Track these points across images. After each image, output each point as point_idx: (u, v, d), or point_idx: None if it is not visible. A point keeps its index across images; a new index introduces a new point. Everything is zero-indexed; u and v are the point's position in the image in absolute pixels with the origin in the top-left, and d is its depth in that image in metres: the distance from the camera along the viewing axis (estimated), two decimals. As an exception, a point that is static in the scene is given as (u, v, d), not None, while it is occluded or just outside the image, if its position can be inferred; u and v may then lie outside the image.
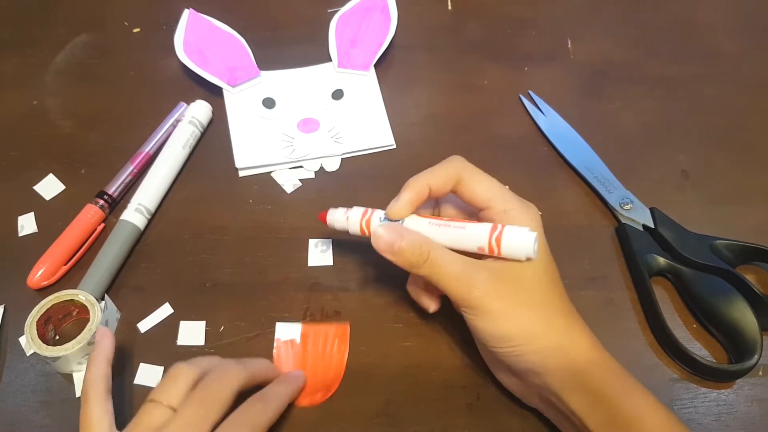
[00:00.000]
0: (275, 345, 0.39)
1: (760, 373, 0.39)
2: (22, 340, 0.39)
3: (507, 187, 0.36)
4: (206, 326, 0.39)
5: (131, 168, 0.45)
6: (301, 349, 0.38)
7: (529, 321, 0.32)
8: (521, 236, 0.32)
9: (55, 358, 0.36)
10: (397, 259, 0.34)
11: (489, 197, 0.35)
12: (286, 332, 0.39)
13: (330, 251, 0.43)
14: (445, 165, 0.36)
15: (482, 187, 0.35)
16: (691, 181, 0.47)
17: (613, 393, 0.32)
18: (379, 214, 0.36)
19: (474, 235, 0.33)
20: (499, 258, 0.33)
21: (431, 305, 0.37)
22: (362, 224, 0.36)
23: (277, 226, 0.44)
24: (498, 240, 0.32)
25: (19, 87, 0.51)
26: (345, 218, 0.37)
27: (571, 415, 0.32)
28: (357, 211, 0.37)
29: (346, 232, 0.37)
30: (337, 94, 0.51)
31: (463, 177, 0.35)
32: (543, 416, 0.36)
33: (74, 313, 0.39)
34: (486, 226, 0.33)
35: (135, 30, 0.55)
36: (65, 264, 0.41)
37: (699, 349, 0.40)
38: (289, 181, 0.46)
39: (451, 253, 0.33)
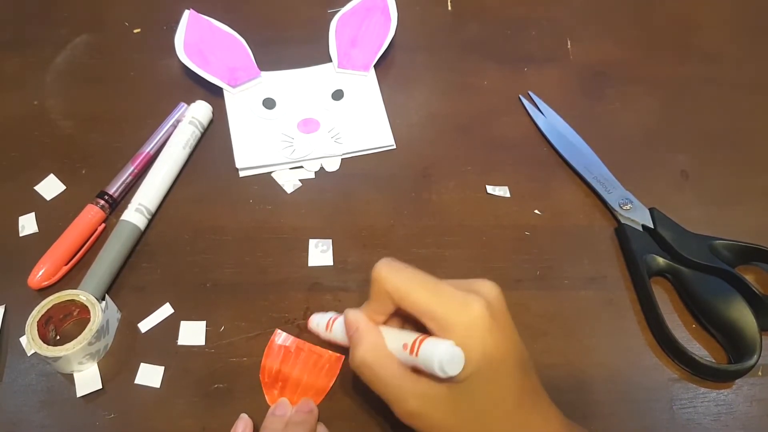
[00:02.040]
0: (270, 342, 0.39)
1: (760, 373, 0.39)
2: (23, 340, 0.39)
3: (443, 281, 0.31)
4: (207, 326, 0.39)
5: (132, 168, 0.45)
6: (292, 357, 0.38)
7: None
8: (435, 348, 0.28)
9: (56, 358, 0.36)
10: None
11: (416, 312, 0.30)
12: (282, 340, 0.39)
13: (330, 251, 0.43)
14: (373, 290, 0.32)
15: (407, 303, 0.31)
16: (690, 181, 0.47)
17: None
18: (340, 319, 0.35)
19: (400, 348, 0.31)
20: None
21: None
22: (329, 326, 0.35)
23: (277, 226, 0.44)
24: (413, 350, 0.29)
25: (19, 87, 0.51)
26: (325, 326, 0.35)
27: None
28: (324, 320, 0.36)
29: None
30: (337, 95, 0.51)
31: (394, 298, 0.31)
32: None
33: (75, 313, 0.39)
34: (411, 337, 0.30)
35: (135, 30, 0.55)
36: (66, 264, 0.41)
37: (698, 349, 0.40)
38: (289, 182, 0.46)
39: (387, 360, 0.31)
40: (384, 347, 0.31)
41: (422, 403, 0.30)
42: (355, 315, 0.33)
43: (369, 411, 0.37)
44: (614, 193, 0.46)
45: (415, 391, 0.30)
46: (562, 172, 0.48)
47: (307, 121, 0.49)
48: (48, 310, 0.37)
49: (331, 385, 0.38)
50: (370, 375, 0.31)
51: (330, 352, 0.39)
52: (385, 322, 0.33)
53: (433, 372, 0.28)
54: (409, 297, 0.30)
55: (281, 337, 0.39)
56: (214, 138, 0.49)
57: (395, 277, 0.31)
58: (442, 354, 0.28)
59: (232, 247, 0.43)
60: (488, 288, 0.31)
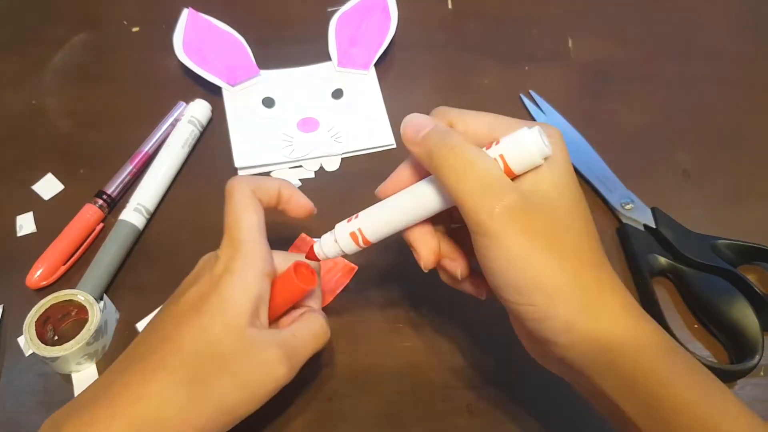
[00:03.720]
0: (290, 250, 0.41)
1: (762, 373, 0.39)
2: (21, 340, 0.39)
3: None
4: (205, 326, 0.39)
5: (130, 168, 0.45)
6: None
7: (557, 274, 0.26)
8: (523, 135, 0.26)
9: (54, 359, 0.36)
10: (419, 150, 0.28)
11: (487, 132, 0.28)
12: (305, 246, 0.41)
13: (330, 251, 0.43)
14: (433, 115, 0.29)
15: (475, 123, 0.28)
16: (692, 180, 0.47)
17: (652, 376, 0.26)
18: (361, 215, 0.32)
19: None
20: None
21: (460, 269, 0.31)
22: (354, 232, 0.32)
23: (277, 225, 0.44)
24: (501, 151, 0.26)
25: (17, 86, 0.51)
26: (333, 240, 0.32)
27: (604, 397, 0.27)
28: (342, 227, 0.32)
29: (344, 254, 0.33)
30: (337, 94, 0.51)
31: (453, 121, 0.29)
32: (544, 417, 0.36)
33: (73, 313, 0.39)
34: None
35: (134, 29, 0.55)
36: (64, 264, 0.41)
37: (700, 349, 0.40)
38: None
39: (482, 152, 0.27)
40: (468, 143, 0.27)
41: (524, 197, 0.26)
42: (419, 116, 0.29)
43: (369, 411, 0.37)
44: (616, 192, 0.45)
45: (516, 186, 0.26)
46: (563, 171, 0.47)
47: (306, 120, 0.49)
48: (46, 310, 0.37)
49: (338, 291, 0.40)
50: (466, 162, 0.26)
51: (345, 261, 0.41)
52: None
53: (529, 152, 0.26)
54: (476, 118, 0.28)
55: (304, 243, 0.41)
56: (213, 137, 0.48)
57: (457, 110, 0.29)
58: (532, 132, 0.26)
59: (232, 246, 0.43)
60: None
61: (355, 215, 0.32)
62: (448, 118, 0.29)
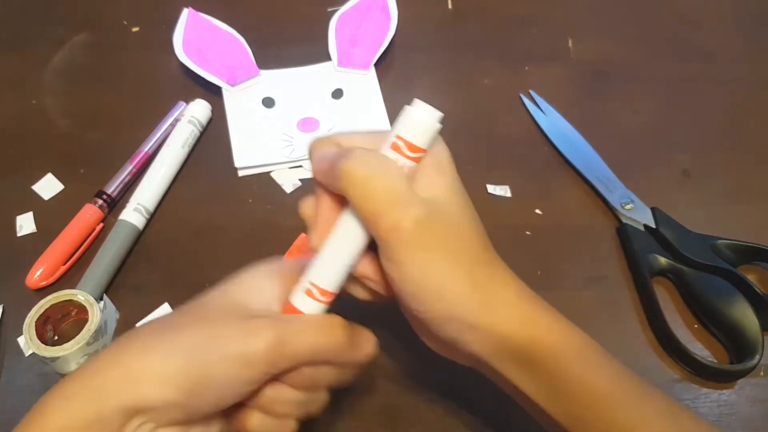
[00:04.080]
0: (292, 247, 0.42)
1: (762, 373, 0.39)
2: (21, 340, 0.39)
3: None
4: (205, 326, 0.39)
5: (130, 168, 0.45)
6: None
7: (454, 279, 0.26)
8: (410, 110, 0.27)
9: (54, 359, 0.36)
10: (327, 177, 0.28)
11: (373, 144, 0.27)
12: (305, 245, 0.41)
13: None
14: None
15: (362, 139, 0.28)
16: (692, 180, 0.47)
17: (550, 358, 0.27)
18: None
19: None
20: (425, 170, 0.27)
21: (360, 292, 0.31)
22: (308, 288, 0.29)
23: (276, 225, 0.44)
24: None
25: (18, 86, 0.51)
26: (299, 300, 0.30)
27: (515, 389, 0.28)
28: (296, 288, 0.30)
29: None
30: (337, 94, 0.51)
31: (340, 141, 0.28)
32: (544, 417, 0.36)
33: (73, 314, 0.39)
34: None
35: (134, 29, 0.55)
36: (64, 264, 0.41)
37: (700, 349, 0.40)
38: (288, 181, 0.46)
39: (382, 161, 0.26)
40: (379, 152, 0.27)
41: (427, 210, 0.26)
42: (324, 145, 0.28)
43: (369, 411, 0.37)
44: (616, 192, 0.45)
45: (417, 199, 0.26)
46: (563, 171, 0.47)
47: (306, 120, 0.49)
48: (46, 310, 0.37)
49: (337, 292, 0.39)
50: (364, 180, 0.25)
51: None
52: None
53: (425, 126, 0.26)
54: (356, 139, 0.28)
55: (304, 243, 0.41)
56: (213, 137, 0.48)
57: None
58: (415, 103, 0.26)
59: (231, 246, 0.43)
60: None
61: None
62: (335, 142, 0.28)
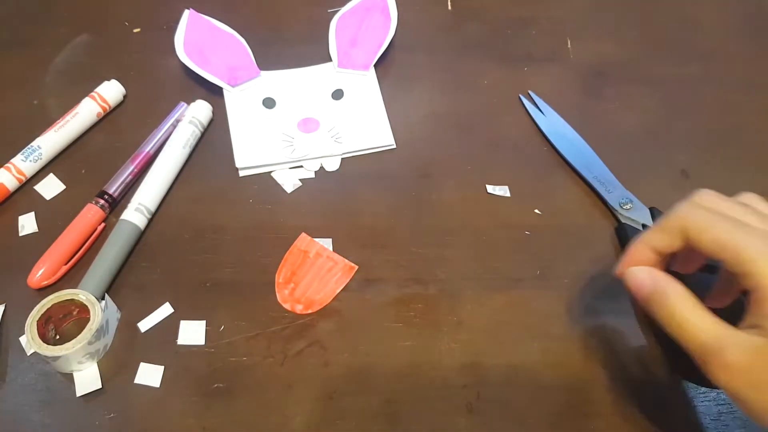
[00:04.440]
0: (291, 247, 0.42)
1: (760, 372, 0.39)
2: (23, 339, 0.39)
3: (751, 225, 0.29)
4: (206, 326, 0.39)
5: (131, 168, 0.45)
6: (309, 261, 0.41)
7: None
8: None
9: (56, 358, 0.36)
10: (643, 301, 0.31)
11: (718, 251, 0.28)
12: (306, 245, 0.42)
13: (330, 251, 0.43)
14: (669, 218, 0.31)
15: (707, 238, 0.29)
16: (690, 180, 0.47)
17: None
18: None
19: None
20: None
21: None
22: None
23: (277, 225, 0.44)
24: None
25: (19, 87, 0.51)
26: None
27: None
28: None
29: None
30: (337, 94, 0.51)
31: (689, 231, 0.30)
32: (544, 417, 0.36)
33: (74, 313, 0.39)
34: None
35: (135, 30, 0.55)
36: (66, 264, 0.41)
37: (699, 348, 0.40)
38: (289, 181, 0.46)
39: (701, 309, 0.28)
40: (692, 297, 0.29)
41: (747, 354, 0.26)
42: (642, 272, 0.31)
43: (369, 411, 0.37)
44: (614, 192, 0.45)
45: (738, 342, 0.27)
46: (562, 171, 0.48)
47: (306, 120, 0.49)
48: (48, 309, 0.37)
49: (338, 291, 0.41)
50: (682, 326, 0.28)
51: (345, 260, 0.42)
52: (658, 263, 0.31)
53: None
54: (712, 231, 0.28)
55: (304, 242, 0.42)
56: (214, 137, 0.48)
57: (700, 213, 0.30)
58: None
59: (232, 246, 0.43)
60: None
61: None
62: (684, 230, 0.30)
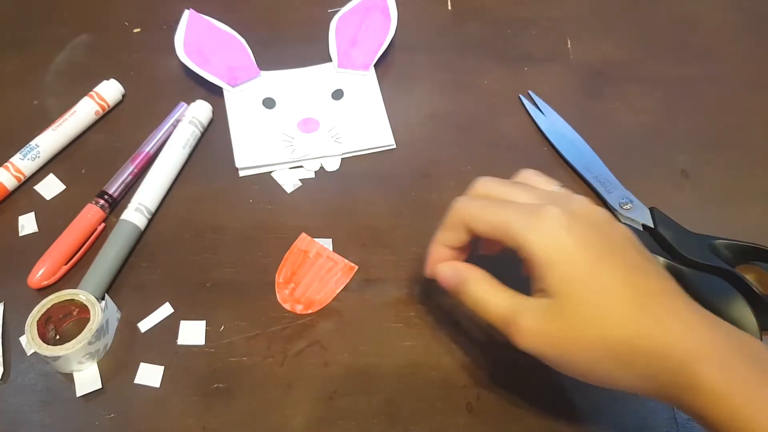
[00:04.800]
0: (292, 246, 0.42)
1: (760, 372, 0.39)
2: (23, 339, 0.39)
3: (521, 193, 0.32)
4: (206, 326, 0.39)
5: (131, 168, 0.45)
6: (309, 261, 0.42)
7: (607, 344, 0.28)
8: None
9: (56, 358, 0.36)
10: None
11: (493, 233, 0.31)
12: (306, 245, 0.42)
13: (330, 251, 0.43)
14: (450, 216, 0.33)
15: (482, 225, 0.31)
16: (690, 180, 0.47)
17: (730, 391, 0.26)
18: None
19: None
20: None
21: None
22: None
23: (277, 225, 0.44)
24: None
25: (19, 87, 0.51)
26: None
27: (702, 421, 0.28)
28: None
29: None
30: (337, 94, 0.51)
31: (467, 223, 0.32)
32: (543, 417, 0.36)
33: (74, 313, 0.39)
34: None
35: (135, 30, 0.55)
36: (66, 264, 0.41)
37: (699, 348, 0.40)
38: (289, 181, 0.46)
39: (497, 287, 0.31)
40: (489, 277, 0.32)
41: (538, 317, 0.29)
42: (446, 267, 0.34)
43: (369, 411, 0.37)
44: (614, 192, 0.45)
45: (528, 307, 0.29)
46: (562, 171, 0.48)
47: (307, 120, 0.49)
48: (48, 309, 0.37)
49: (338, 291, 0.41)
50: (484, 306, 0.31)
51: (345, 260, 0.41)
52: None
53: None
54: (483, 217, 0.31)
55: (304, 242, 0.42)
56: (214, 138, 0.48)
57: (471, 204, 0.32)
58: None
59: (232, 246, 0.43)
60: (575, 198, 0.31)
61: None
62: (466, 224, 0.32)
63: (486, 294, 0.31)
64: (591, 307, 0.28)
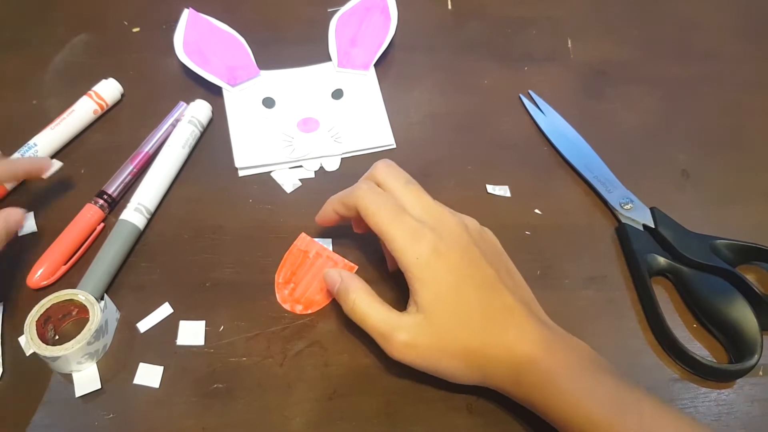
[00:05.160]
0: (291, 246, 0.42)
1: (761, 373, 0.39)
2: (22, 339, 0.39)
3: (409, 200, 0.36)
4: (206, 326, 0.39)
5: (131, 168, 0.45)
6: (309, 262, 0.42)
7: (464, 353, 0.34)
8: None
9: (55, 358, 0.36)
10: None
11: (378, 234, 0.35)
12: (305, 245, 0.42)
13: (330, 251, 0.43)
14: (349, 195, 0.37)
15: (371, 221, 0.35)
16: (691, 180, 0.47)
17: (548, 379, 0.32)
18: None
19: None
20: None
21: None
22: None
23: (277, 225, 0.44)
24: None
25: (18, 86, 0.51)
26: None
27: (529, 405, 0.34)
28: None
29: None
30: (337, 94, 0.51)
31: (360, 210, 0.36)
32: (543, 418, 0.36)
33: (74, 313, 0.39)
34: None
35: (135, 29, 0.55)
36: (65, 264, 0.41)
37: (699, 348, 0.40)
38: (288, 181, 0.46)
39: (376, 302, 0.35)
40: (369, 291, 0.36)
41: (410, 333, 0.33)
42: (334, 272, 0.37)
43: (369, 411, 0.37)
44: (615, 192, 0.45)
45: (401, 324, 0.34)
46: (562, 171, 0.48)
47: (306, 120, 0.49)
48: (47, 309, 0.37)
49: None
50: (362, 317, 0.35)
51: (345, 260, 0.42)
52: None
53: None
54: (374, 218, 0.35)
55: (304, 242, 0.42)
56: (214, 137, 0.48)
57: (370, 198, 0.35)
58: None
59: (232, 246, 0.43)
60: (446, 220, 0.35)
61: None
62: (356, 208, 0.36)
63: (367, 307, 0.35)
64: (453, 323, 0.33)
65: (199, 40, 0.51)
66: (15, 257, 0.42)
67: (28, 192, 0.45)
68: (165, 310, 0.40)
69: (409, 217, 0.34)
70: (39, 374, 0.38)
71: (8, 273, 0.41)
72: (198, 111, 0.48)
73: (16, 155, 0.45)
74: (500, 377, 0.34)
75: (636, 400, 0.31)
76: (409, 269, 0.34)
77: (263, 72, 0.52)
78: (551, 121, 0.50)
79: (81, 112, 0.47)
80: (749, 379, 0.38)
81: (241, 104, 0.50)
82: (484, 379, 0.34)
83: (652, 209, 0.44)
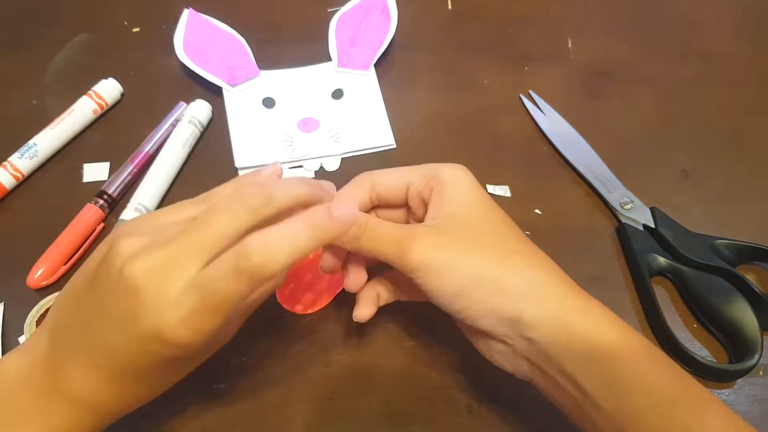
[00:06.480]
0: None
1: (761, 372, 0.39)
2: (22, 339, 0.39)
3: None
4: (206, 326, 0.39)
5: (131, 168, 0.45)
6: (309, 261, 0.41)
7: (481, 267, 0.29)
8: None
9: (55, 358, 0.36)
10: (344, 239, 0.31)
11: (396, 186, 0.34)
12: None
13: (330, 251, 0.43)
14: (352, 185, 0.34)
15: (394, 179, 0.34)
16: (691, 180, 0.47)
17: (612, 357, 0.28)
18: None
19: None
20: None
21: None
22: None
23: (277, 225, 0.44)
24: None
25: (18, 86, 0.51)
26: None
27: (562, 376, 0.29)
28: None
29: None
30: (337, 94, 0.51)
31: (374, 182, 0.34)
32: (544, 416, 0.36)
33: (74, 313, 0.39)
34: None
35: (135, 29, 0.55)
36: (65, 263, 0.41)
37: (699, 348, 0.40)
38: (289, 181, 0.46)
39: (383, 220, 0.32)
40: (372, 216, 0.32)
41: (430, 232, 0.30)
42: (344, 206, 0.31)
43: (369, 411, 0.37)
44: (615, 192, 0.45)
45: (420, 228, 0.31)
46: (562, 171, 0.48)
47: (306, 120, 0.49)
48: (47, 309, 0.37)
49: (337, 291, 0.40)
50: (374, 229, 0.30)
51: None
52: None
53: None
54: (390, 177, 0.34)
55: None
56: (214, 137, 0.48)
57: (377, 171, 0.34)
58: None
59: (232, 246, 0.43)
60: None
61: None
62: (370, 184, 0.34)
63: (379, 224, 0.31)
64: (475, 239, 0.31)
65: (199, 40, 0.51)
66: (15, 257, 0.42)
67: (28, 191, 0.45)
68: (165, 310, 0.40)
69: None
70: (39, 374, 0.38)
71: (8, 273, 0.41)
72: (198, 111, 0.48)
73: (16, 155, 0.45)
74: (500, 315, 0.30)
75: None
76: (442, 178, 0.33)
77: (263, 72, 0.52)
78: (551, 121, 0.50)
79: (81, 112, 0.47)
80: (749, 379, 0.38)
81: (241, 104, 0.50)
82: (484, 310, 0.30)
83: (652, 209, 0.44)
